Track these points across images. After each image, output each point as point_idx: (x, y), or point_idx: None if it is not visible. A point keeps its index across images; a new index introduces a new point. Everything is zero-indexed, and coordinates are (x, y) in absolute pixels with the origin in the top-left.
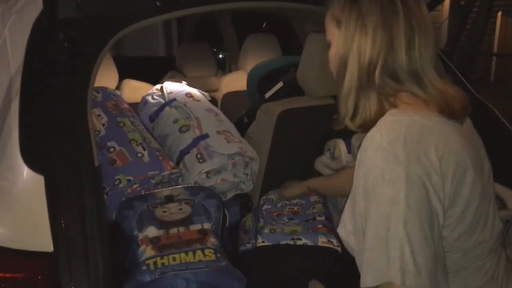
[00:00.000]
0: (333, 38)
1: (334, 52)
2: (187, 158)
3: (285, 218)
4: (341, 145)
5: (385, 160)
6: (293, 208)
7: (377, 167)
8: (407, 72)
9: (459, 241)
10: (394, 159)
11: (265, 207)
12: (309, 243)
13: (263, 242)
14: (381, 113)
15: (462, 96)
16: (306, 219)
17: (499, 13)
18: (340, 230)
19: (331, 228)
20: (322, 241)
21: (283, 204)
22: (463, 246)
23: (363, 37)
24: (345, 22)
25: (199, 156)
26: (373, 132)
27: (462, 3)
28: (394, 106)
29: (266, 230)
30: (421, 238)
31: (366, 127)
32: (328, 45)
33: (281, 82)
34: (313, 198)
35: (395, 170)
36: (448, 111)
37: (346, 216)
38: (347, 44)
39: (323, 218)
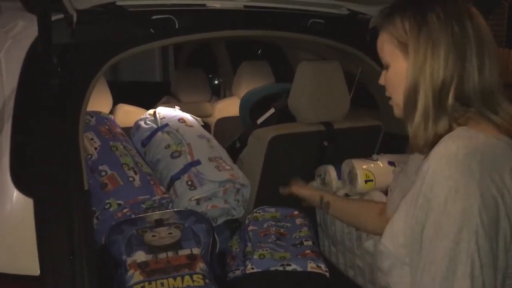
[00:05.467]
0: (394, 61)
1: (393, 74)
2: (177, 184)
3: (272, 237)
4: (332, 171)
5: (460, 173)
6: (279, 230)
7: (450, 178)
8: (479, 94)
9: None
10: (469, 173)
11: (250, 227)
12: (299, 268)
13: (252, 268)
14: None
15: None
16: (293, 243)
17: None
18: (388, 243)
19: (318, 252)
20: (311, 266)
21: (269, 224)
22: None
23: (435, 61)
24: (413, 45)
25: (189, 183)
26: (447, 142)
27: None
28: (463, 125)
29: (256, 256)
30: (490, 256)
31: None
32: (385, 66)
33: (272, 108)
34: (299, 221)
35: (470, 184)
36: None
37: (397, 228)
38: (417, 68)
39: (310, 242)
